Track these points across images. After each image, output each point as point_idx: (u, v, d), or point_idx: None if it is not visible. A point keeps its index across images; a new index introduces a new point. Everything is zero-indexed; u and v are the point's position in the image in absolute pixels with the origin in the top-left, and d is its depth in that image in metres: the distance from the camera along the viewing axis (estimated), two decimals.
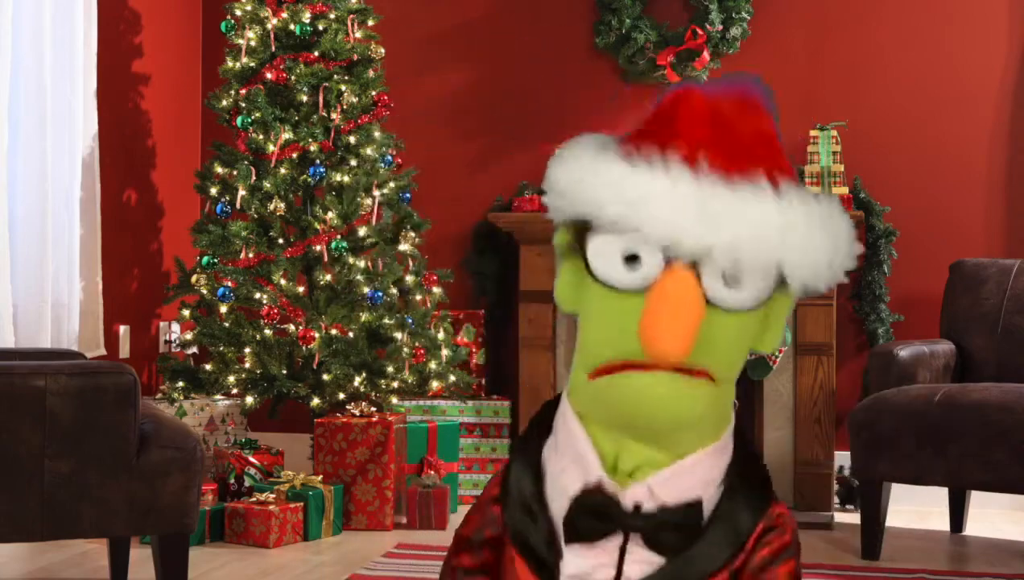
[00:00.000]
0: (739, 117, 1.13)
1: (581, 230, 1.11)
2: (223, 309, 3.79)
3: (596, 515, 1.11)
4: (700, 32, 4.27)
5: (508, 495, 1.18)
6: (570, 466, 1.13)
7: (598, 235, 1.09)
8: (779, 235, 1.07)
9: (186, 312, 3.89)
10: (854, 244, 1.13)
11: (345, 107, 3.93)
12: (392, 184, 3.97)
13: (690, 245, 1.05)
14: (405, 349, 3.84)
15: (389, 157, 3.98)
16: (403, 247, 3.96)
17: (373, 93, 3.99)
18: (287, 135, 3.85)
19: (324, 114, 3.91)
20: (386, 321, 3.83)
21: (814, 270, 1.09)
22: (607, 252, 1.08)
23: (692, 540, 1.11)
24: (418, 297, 3.99)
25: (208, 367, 3.85)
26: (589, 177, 1.10)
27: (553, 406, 1.20)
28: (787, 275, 1.09)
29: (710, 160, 1.08)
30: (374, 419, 3.70)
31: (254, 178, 3.87)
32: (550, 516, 1.14)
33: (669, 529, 1.10)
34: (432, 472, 3.82)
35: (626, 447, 1.12)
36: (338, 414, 3.78)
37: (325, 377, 3.72)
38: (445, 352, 3.98)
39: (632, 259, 1.07)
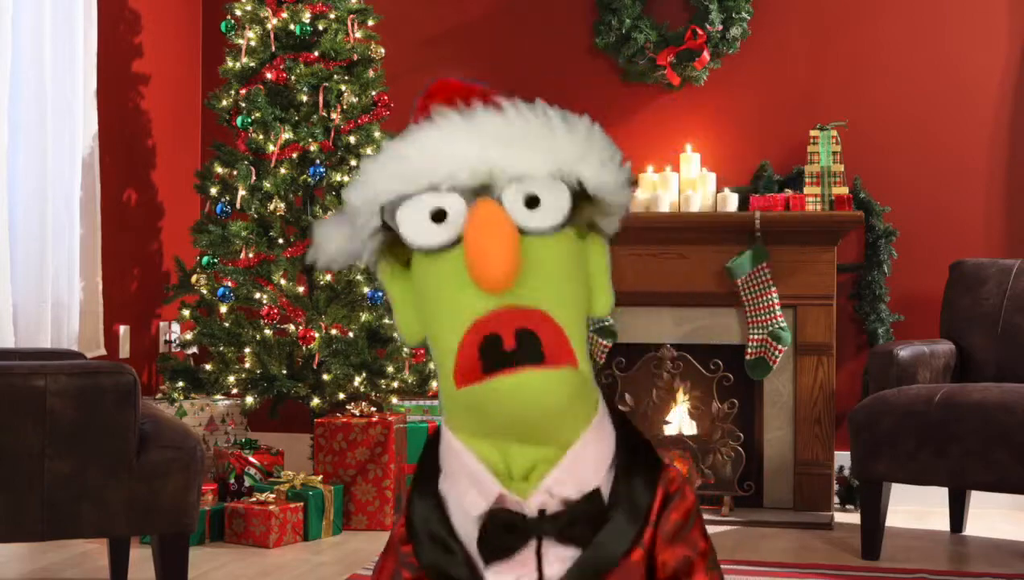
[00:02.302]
0: (472, 85, 1.24)
1: (391, 228, 1.15)
2: (223, 309, 3.79)
3: (506, 531, 1.12)
4: (700, 32, 4.27)
5: (416, 535, 1.19)
6: (467, 489, 1.14)
7: (399, 212, 1.13)
8: (548, 135, 1.13)
9: (186, 312, 3.89)
10: (611, 142, 1.18)
11: (345, 107, 3.93)
12: None
13: (471, 169, 1.10)
14: (405, 349, 3.84)
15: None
16: None
17: (373, 93, 3.99)
18: (287, 135, 3.85)
19: (324, 114, 3.91)
20: (386, 321, 3.83)
21: (591, 167, 1.14)
22: (414, 218, 1.12)
23: (599, 526, 1.13)
24: None
25: (208, 367, 3.85)
26: (373, 170, 1.16)
27: (435, 442, 1.21)
28: (573, 176, 1.13)
29: (466, 102, 1.16)
30: (374, 419, 3.70)
31: (254, 178, 3.87)
32: (461, 542, 1.15)
33: (577, 523, 1.12)
34: None
35: (512, 452, 1.13)
36: (338, 414, 3.78)
37: (325, 377, 3.73)
38: None
39: (440, 219, 1.11)
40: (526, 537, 1.12)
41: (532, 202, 1.11)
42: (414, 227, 1.12)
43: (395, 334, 3.81)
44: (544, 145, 1.13)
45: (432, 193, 1.11)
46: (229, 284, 3.77)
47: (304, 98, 3.92)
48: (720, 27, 4.27)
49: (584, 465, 1.13)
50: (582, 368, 1.11)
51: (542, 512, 1.12)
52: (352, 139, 3.91)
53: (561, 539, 1.12)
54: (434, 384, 3.94)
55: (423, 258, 1.13)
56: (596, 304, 1.18)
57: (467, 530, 1.15)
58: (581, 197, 1.14)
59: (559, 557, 1.13)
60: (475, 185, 1.11)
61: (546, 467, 1.12)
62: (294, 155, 3.87)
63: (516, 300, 1.08)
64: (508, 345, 1.07)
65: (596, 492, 1.13)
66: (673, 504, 1.17)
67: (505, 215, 1.08)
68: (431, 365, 3.93)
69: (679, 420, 4.19)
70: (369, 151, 3.92)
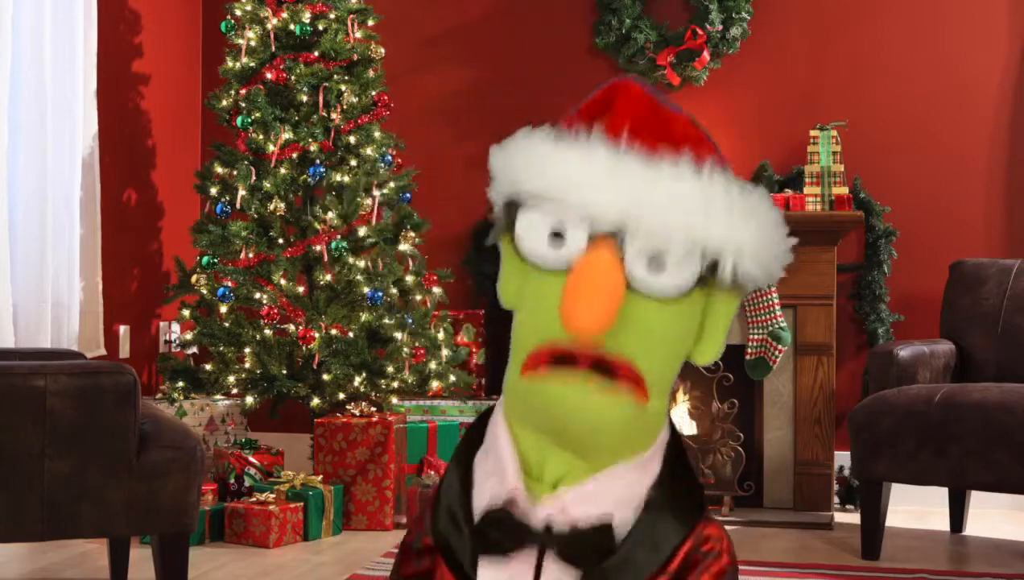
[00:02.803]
0: (671, 112, 1.13)
1: (514, 216, 1.12)
2: (223, 309, 3.79)
3: (505, 530, 1.10)
4: (700, 32, 4.27)
5: (439, 502, 1.18)
6: (491, 473, 1.13)
7: (525, 214, 1.10)
8: (699, 211, 1.06)
9: (186, 312, 3.89)
10: (784, 232, 1.13)
11: (345, 107, 3.93)
12: (392, 184, 3.97)
13: (603, 212, 1.05)
14: (405, 349, 3.84)
15: (389, 157, 3.98)
16: (403, 247, 3.95)
17: (373, 93, 3.99)
18: (287, 135, 3.85)
19: (324, 114, 3.91)
20: (386, 321, 3.83)
21: (740, 253, 1.08)
22: (533, 230, 1.09)
23: (604, 556, 1.09)
24: (418, 297, 3.99)
25: (208, 367, 3.85)
26: (518, 157, 1.12)
27: (490, 413, 1.20)
28: (713, 255, 1.07)
29: (633, 135, 1.08)
30: (374, 419, 3.70)
31: (254, 178, 3.87)
32: (473, 523, 1.14)
33: (581, 546, 1.09)
34: (432, 472, 3.82)
35: (551, 455, 1.11)
36: (338, 414, 3.78)
37: (325, 377, 3.73)
38: (445, 352, 3.98)
39: (558, 238, 1.08)
40: (524, 544, 1.10)
41: (655, 262, 1.06)
42: (530, 238, 1.09)
43: (395, 334, 3.81)
44: (689, 216, 1.06)
45: (559, 209, 1.07)
46: (229, 284, 3.77)
47: (304, 98, 3.92)
48: (720, 27, 4.27)
49: (607, 493, 1.10)
50: (650, 408, 1.09)
51: (548, 527, 1.09)
52: (352, 139, 3.91)
53: (564, 557, 1.09)
54: (434, 384, 3.94)
55: (531, 263, 1.11)
56: (700, 353, 1.15)
57: (480, 510, 1.13)
58: (715, 270, 1.08)
59: (559, 573, 1.10)
60: (603, 224, 1.06)
61: (573, 482, 1.10)
62: (294, 155, 3.87)
63: (602, 344, 1.05)
64: (582, 366, 1.05)
65: (607, 528, 1.09)
66: (708, 562, 1.12)
67: (618, 269, 1.04)
68: (431, 365, 3.93)
69: (679, 420, 4.19)
70: (369, 151, 3.92)
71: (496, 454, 1.13)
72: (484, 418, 1.20)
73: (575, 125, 1.11)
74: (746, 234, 1.08)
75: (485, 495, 1.13)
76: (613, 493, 1.10)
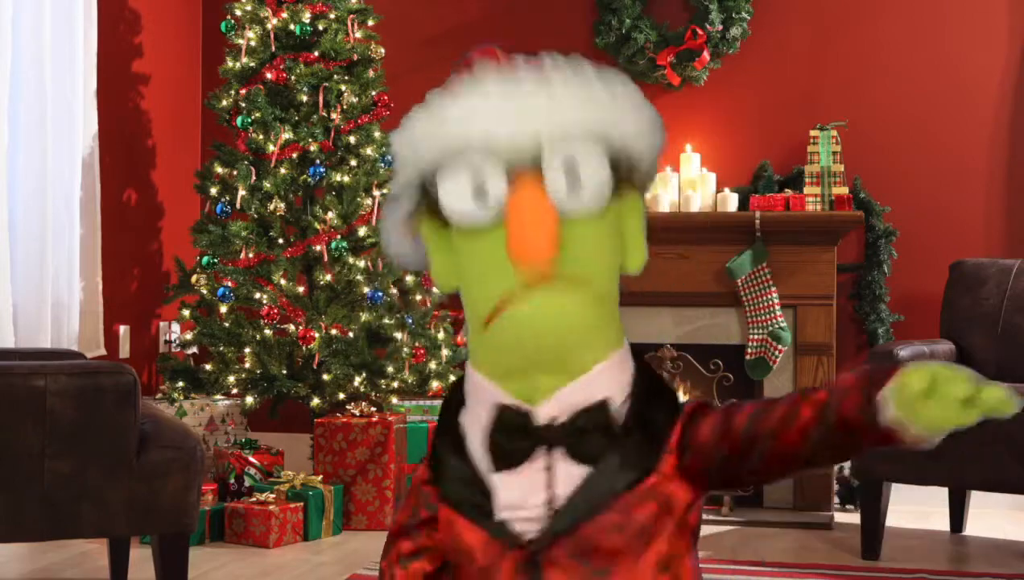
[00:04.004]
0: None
1: (433, 192, 1.15)
2: (223, 309, 3.79)
3: (514, 433, 1.14)
4: (700, 32, 4.27)
5: (438, 467, 1.21)
6: (485, 412, 1.16)
7: (443, 183, 1.13)
8: (591, 101, 1.13)
9: (186, 312, 3.89)
10: (650, 105, 1.19)
11: (345, 107, 3.93)
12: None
13: (513, 134, 1.11)
14: (405, 349, 3.84)
15: (389, 157, 3.97)
16: None
17: (373, 93, 3.99)
18: (287, 135, 3.85)
19: (324, 114, 3.91)
20: (386, 321, 3.83)
21: (632, 132, 1.15)
22: (455, 191, 1.13)
23: (610, 443, 1.13)
24: (418, 297, 3.99)
25: (208, 367, 3.85)
26: (417, 127, 1.17)
27: (459, 384, 1.24)
28: (616, 151, 1.13)
29: (502, 60, 1.16)
30: (374, 419, 3.70)
31: (254, 178, 3.87)
32: (475, 466, 1.17)
33: (587, 434, 1.13)
34: None
35: (534, 385, 1.14)
36: (338, 414, 3.78)
37: (325, 377, 3.73)
38: (445, 352, 3.98)
39: (481, 194, 1.12)
40: (533, 442, 1.13)
41: (572, 175, 1.11)
42: (455, 200, 1.13)
43: (395, 334, 3.81)
44: (586, 108, 1.13)
45: (473, 163, 1.12)
46: (229, 284, 3.77)
47: (304, 98, 3.92)
48: (720, 27, 4.27)
49: (598, 385, 1.15)
50: (602, 297, 1.14)
51: (551, 420, 1.13)
52: (352, 139, 3.91)
53: (572, 453, 1.13)
54: (434, 384, 3.94)
55: (463, 232, 1.15)
56: (630, 261, 1.20)
57: (480, 454, 1.16)
58: (621, 164, 1.15)
59: (569, 475, 1.13)
60: (516, 153, 1.11)
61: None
62: (294, 155, 3.87)
63: (554, 276, 1.11)
64: None
65: (604, 403, 1.14)
66: (695, 427, 1.15)
67: (547, 201, 1.10)
68: (431, 365, 3.93)
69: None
70: (369, 151, 3.92)
71: (485, 398, 1.16)
72: (456, 387, 1.24)
73: (452, 81, 1.17)
74: (631, 115, 1.16)
75: (480, 438, 1.16)
76: (601, 383, 1.15)
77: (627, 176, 1.17)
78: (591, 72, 1.15)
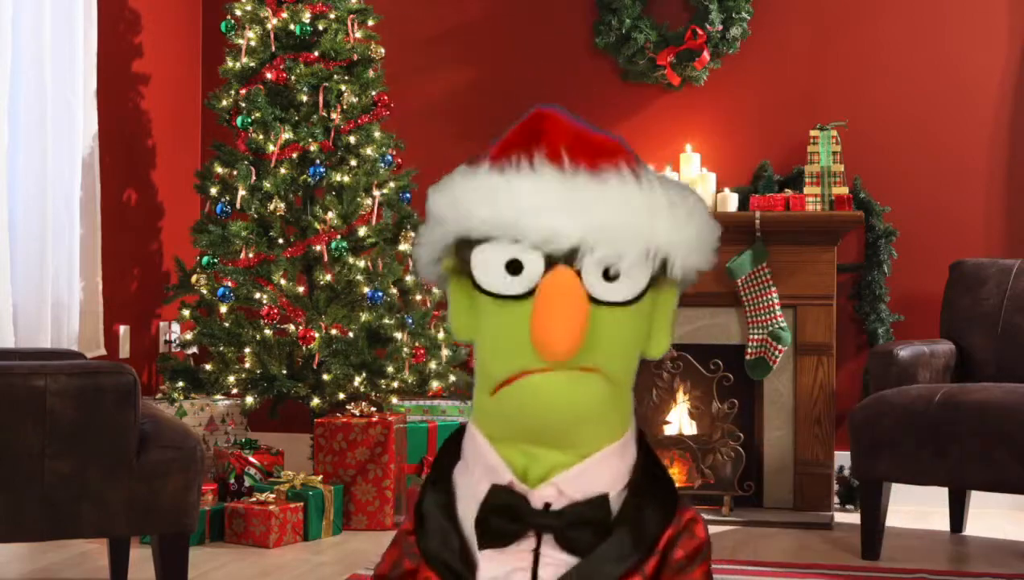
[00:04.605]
0: (598, 133, 1.18)
1: (465, 253, 1.14)
2: (223, 309, 3.79)
3: (506, 515, 1.12)
4: (700, 32, 4.27)
5: (422, 521, 1.20)
6: (481, 478, 1.15)
7: (479, 249, 1.12)
8: (646, 215, 1.11)
9: (186, 312, 3.89)
10: (714, 223, 1.18)
11: (345, 107, 3.93)
12: (392, 184, 3.97)
13: (561, 234, 1.09)
14: (405, 349, 3.84)
15: (389, 157, 3.98)
16: (403, 247, 3.96)
17: (373, 93, 3.99)
18: (287, 135, 3.85)
19: (324, 114, 3.91)
20: (386, 321, 3.83)
21: (683, 249, 1.13)
22: (489, 262, 1.11)
23: (601, 537, 1.12)
24: (418, 297, 3.99)
25: (208, 367, 3.85)
26: (462, 193, 1.14)
27: (460, 435, 1.22)
28: (662, 256, 1.12)
29: (572, 157, 1.12)
30: (374, 419, 3.70)
31: (254, 178, 3.87)
32: (462, 532, 1.16)
33: (579, 527, 1.12)
34: None
35: (534, 457, 1.13)
36: (338, 414, 3.78)
37: (325, 377, 3.73)
38: (445, 352, 3.98)
39: (515, 268, 1.10)
40: (525, 527, 1.12)
41: (610, 274, 1.10)
42: (487, 273, 1.11)
43: (395, 334, 3.81)
44: (640, 228, 1.11)
45: (513, 244, 1.10)
46: (229, 284, 3.77)
47: (304, 98, 3.92)
48: (720, 27, 4.27)
49: (599, 474, 1.13)
50: (618, 387, 1.12)
51: (547, 507, 1.12)
52: (352, 139, 3.91)
53: (561, 541, 1.12)
54: (434, 384, 3.94)
55: (489, 297, 1.13)
56: (652, 347, 1.18)
57: (469, 521, 1.15)
58: (663, 267, 1.13)
59: (555, 562, 1.12)
60: (558, 243, 1.09)
61: (559, 471, 1.13)
62: (294, 155, 3.87)
63: (572, 362, 1.08)
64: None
65: (604, 499, 1.13)
66: (681, 541, 1.16)
67: (579, 289, 1.08)
68: (431, 365, 3.93)
69: (679, 420, 4.19)
70: (369, 151, 3.92)
71: (482, 462, 1.15)
72: (455, 439, 1.22)
73: (507, 156, 1.14)
74: (688, 232, 1.14)
75: (473, 498, 1.15)
76: (603, 473, 1.14)
77: (667, 273, 1.15)
78: (660, 192, 1.13)
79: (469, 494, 1.16)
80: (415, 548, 1.20)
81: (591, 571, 1.12)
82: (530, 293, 1.09)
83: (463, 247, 1.14)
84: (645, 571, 1.14)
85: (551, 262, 1.09)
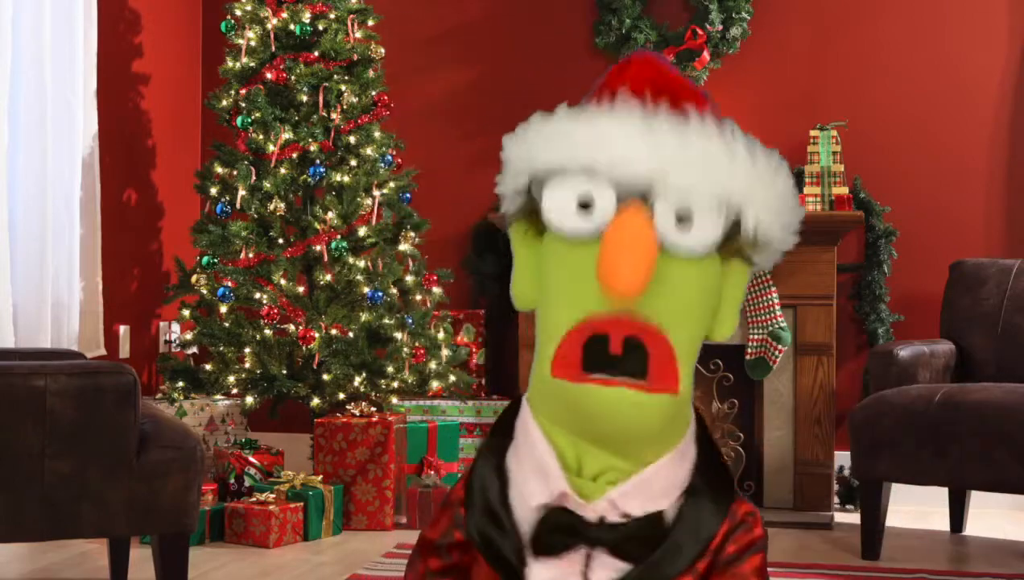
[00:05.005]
0: (687, 80, 1.18)
1: (539, 196, 1.12)
2: (223, 309, 3.79)
3: (562, 531, 1.11)
4: (700, 32, 4.27)
5: (472, 499, 1.18)
6: (532, 476, 1.13)
7: (551, 189, 1.10)
8: (724, 161, 1.09)
9: (186, 312, 3.89)
10: (797, 197, 1.17)
11: (345, 107, 3.93)
12: (392, 184, 3.97)
13: (636, 170, 1.06)
14: (405, 349, 3.84)
15: (389, 157, 3.98)
16: (403, 247, 3.95)
17: (373, 93, 3.99)
18: (287, 135, 3.85)
19: (324, 114, 3.91)
20: (386, 321, 3.83)
21: (761, 208, 1.11)
22: (561, 200, 1.09)
23: (655, 547, 1.11)
24: (418, 297, 3.99)
25: (208, 367, 3.85)
26: (538, 137, 1.12)
27: (515, 408, 1.20)
28: (736, 210, 1.09)
29: (655, 94, 1.10)
30: (374, 419, 3.70)
31: (254, 178, 3.87)
32: (515, 522, 1.14)
33: (634, 540, 1.10)
34: (432, 472, 3.82)
35: (588, 452, 1.12)
36: (338, 414, 3.78)
37: (325, 377, 3.73)
38: (445, 352, 3.98)
39: (587, 208, 1.08)
40: (579, 541, 1.11)
41: (683, 219, 1.07)
42: (559, 208, 1.09)
43: (395, 334, 3.81)
44: (717, 171, 1.09)
45: (586, 178, 1.08)
46: (229, 284, 3.77)
47: (304, 98, 3.92)
48: (720, 27, 4.27)
49: (656, 486, 1.11)
50: (682, 394, 1.09)
51: (601, 520, 1.10)
52: (352, 139, 3.91)
53: (614, 552, 1.11)
54: (434, 384, 3.94)
55: (558, 238, 1.10)
56: (718, 329, 1.16)
57: (522, 512, 1.13)
58: (739, 229, 1.11)
59: (607, 566, 1.11)
60: (632, 185, 1.07)
61: (616, 475, 1.11)
62: (294, 155, 3.87)
63: (637, 310, 1.06)
64: (614, 349, 1.05)
65: (660, 515, 1.11)
66: (735, 536, 1.15)
67: (650, 228, 1.05)
68: (431, 365, 3.93)
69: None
70: (369, 151, 3.92)
71: (533, 455, 1.13)
72: (510, 413, 1.20)
73: (597, 97, 1.13)
74: (767, 191, 1.12)
75: (526, 496, 1.13)
76: (660, 484, 1.12)
77: (741, 245, 1.13)
78: (741, 143, 1.11)
79: (521, 489, 1.14)
80: (464, 522, 1.19)
81: (646, 576, 1.11)
82: (597, 237, 1.06)
83: (536, 192, 1.12)
84: (697, 568, 1.12)
85: (623, 202, 1.06)
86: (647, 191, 1.07)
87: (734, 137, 1.11)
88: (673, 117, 1.09)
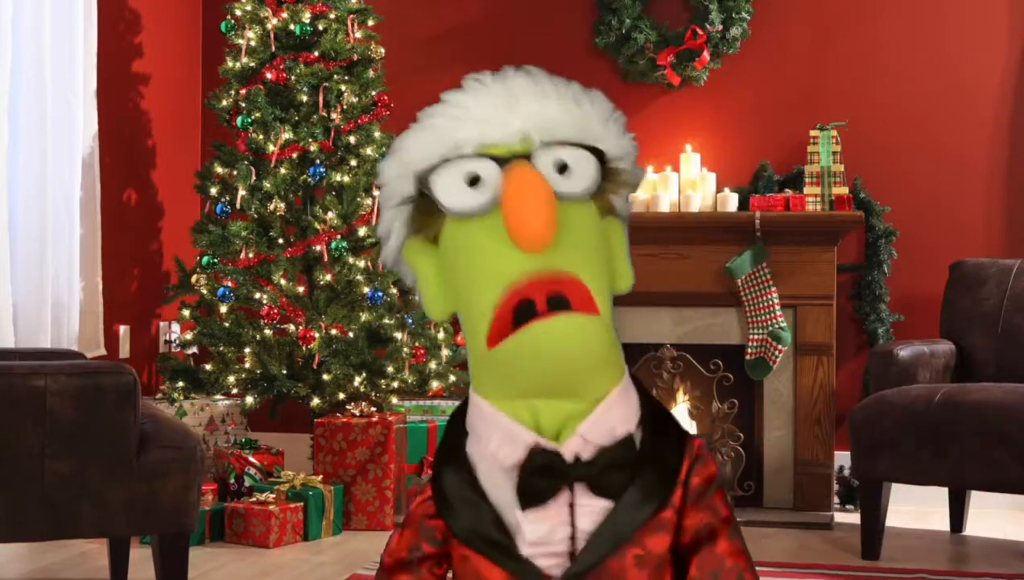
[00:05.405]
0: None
1: (427, 195, 1.16)
2: (223, 309, 3.79)
3: (544, 474, 1.13)
4: (700, 32, 4.27)
5: (446, 502, 1.19)
6: (501, 444, 1.14)
7: (436, 175, 1.14)
8: (573, 105, 1.17)
9: (186, 312, 3.89)
10: (617, 113, 1.23)
11: (345, 107, 3.93)
12: None
13: (508, 134, 1.13)
14: (405, 349, 3.84)
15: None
16: None
17: (373, 93, 3.99)
18: (287, 135, 3.85)
19: (324, 114, 3.91)
20: (386, 321, 3.83)
21: (612, 146, 1.18)
22: (450, 183, 1.13)
23: (632, 475, 1.14)
24: (418, 297, 3.99)
25: (208, 367, 3.85)
26: (409, 143, 1.19)
27: (462, 412, 1.22)
28: (595, 144, 1.16)
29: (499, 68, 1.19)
30: (374, 419, 3.70)
31: (254, 178, 3.87)
32: (491, 503, 1.16)
33: (611, 470, 1.13)
34: (432, 472, 3.82)
35: (543, 410, 1.14)
36: (338, 414, 3.78)
37: (325, 377, 3.73)
38: (445, 352, 3.98)
39: (476, 183, 1.12)
40: (562, 481, 1.13)
41: (563, 169, 1.12)
42: (450, 192, 1.12)
43: (395, 334, 3.81)
44: (571, 112, 1.16)
45: (466, 158, 1.13)
46: (229, 284, 3.77)
47: (304, 98, 3.92)
48: (720, 27, 4.27)
49: (615, 417, 1.14)
50: (608, 324, 1.13)
51: (577, 458, 1.13)
52: (352, 139, 3.91)
53: (594, 488, 1.13)
54: (434, 384, 3.94)
55: (457, 225, 1.14)
56: (619, 280, 1.20)
57: (497, 490, 1.15)
58: (601, 171, 1.16)
59: (591, 510, 1.13)
60: (507, 148, 1.13)
61: (576, 422, 1.14)
62: (294, 155, 3.87)
63: (550, 263, 1.09)
64: (540, 308, 1.08)
65: (629, 438, 1.14)
66: (696, 469, 1.18)
67: (541, 176, 1.09)
68: (431, 365, 3.93)
69: (679, 420, 4.19)
70: (369, 151, 3.92)
71: (497, 429, 1.15)
72: (457, 418, 1.22)
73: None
74: (608, 123, 1.19)
75: (497, 466, 1.15)
76: (618, 414, 1.15)
77: (609, 192, 1.19)
78: (575, 85, 1.20)
79: (490, 464, 1.16)
80: (438, 533, 1.21)
81: (627, 513, 1.14)
82: (495, 204, 1.10)
83: (425, 192, 1.15)
84: (674, 503, 1.16)
85: (508, 166, 1.11)
86: (523, 152, 1.13)
87: (568, 85, 1.20)
88: (529, 80, 1.17)
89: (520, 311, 1.08)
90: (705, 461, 1.19)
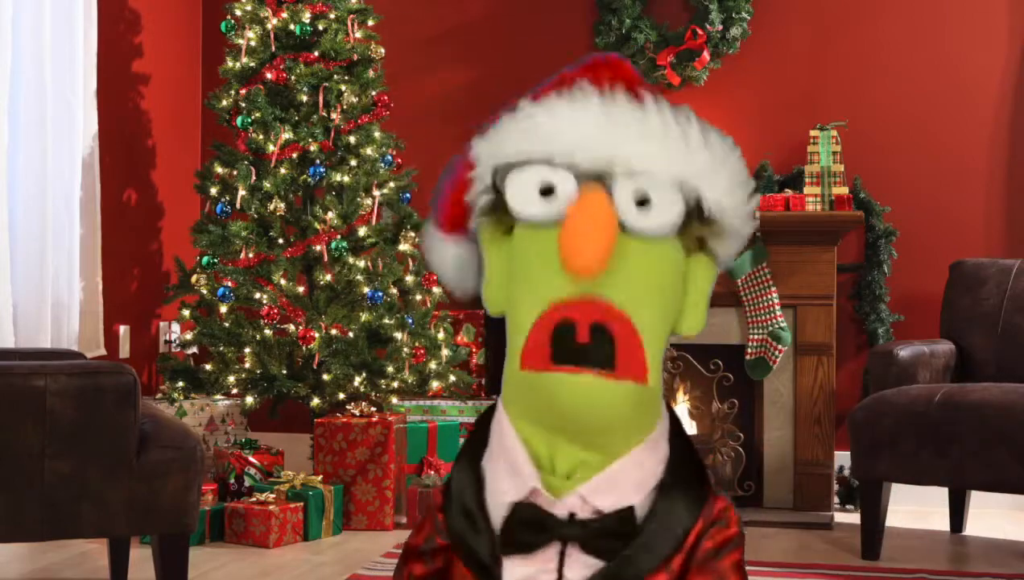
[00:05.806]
0: (639, 74, 1.21)
1: (502, 204, 1.13)
2: (223, 309, 3.79)
3: (531, 527, 1.11)
4: (700, 32, 4.27)
5: (450, 503, 1.18)
6: (505, 475, 1.13)
7: (513, 174, 1.12)
8: (681, 144, 1.11)
9: (186, 312, 3.89)
10: (751, 184, 1.17)
11: (345, 107, 3.93)
12: (392, 184, 3.97)
13: (595, 156, 1.09)
14: (405, 349, 3.84)
15: (389, 157, 3.98)
16: (403, 247, 3.96)
17: (373, 93, 3.99)
18: (287, 135, 3.85)
19: (324, 114, 3.91)
20: (386, 321, 3.83)
21: (718, 191, 1.12)
22: (523, 187, 1.11)
23: (626, 543, 1.10)
24: (418, 297, 3.99)
25: (208, 367, 3.85)
26: (503, 133, 1.15)
27: (489, 416, 1.20)
28: (694, 192, 1.11)
29: (613, 83, 1.14)
30: (374, 419, 3.70)
31: (254, 178, 3.87)
32: (491, 525, 1.14)
33: (604, 537, 1.10)
34: (432, 472, 3.82)
35: (560, 448, 1.11)
36: (338, 414, 3.78)
37: (325, 377, 3.73)
38: (445, 352, 3.98)
39: (549, 194, 1.10)
40: (550, 538, 1.10)
41: (643, 203, 1.09)
42: (521, 195, 1.11)
43: (395, 334, 3.81)
44: (673, 152, 1.11)
45: (546, 166, 1.10)
46: (229, 284, 3.77)
47: (304, 98, 3.92)
48: (720, 27, 4.27)
49: (626, 480, 1.11)
50: (651, 384, 1.09)
51: (572, 516, 1.10)
52: (352, 139, 3.91)
53: (585, 548, 1.10)
54: (434, 384, 3.94)
55: (524, 229, 1.12)
56: (685, 322, 1.16)
57: (497, 512, 1.13)
58: (697, 214, 1.12)
59: (582, 563, 1.11)
60: (591, 169, 1.09)
61: (588, 472, 1.10)
62: (294, 155, 3.87)
63: (601, 291, 1.06)
64: (581, 337, 1.05)
65: (630, 511, 1.10)
66: (711, 532, 1.14)
67: (610, 207, 1.06)
68: (431, 365, 3.93)
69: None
70: (369, 151, 3.92)
71: (506, 455, 1.13)
72: (486, 418, 1.20)
73: (556, 89, 1.15)
74: (723, 175, 1.13)
75: (500, 496, 1.13)
76: (630, 478, 1.11)
77: (703, 233, 1.14)
78: (695, 126, 1.14)
79: (496, 489, 1.14)
80: (444, 526, 1.20)
81: (619, 571, 1.10)
82: (560, 220, 1.07)
83: (500, 185, 1.13)
84: (672, 567, 1.11)
85: (585, 187, 1.08)
86: (606, 175, 1.09)
87: (689, 121, 1.13)
88: (630, 103, 1.12)
89: (559, 336, 1.06)
90: (725, 523, 1.14)
